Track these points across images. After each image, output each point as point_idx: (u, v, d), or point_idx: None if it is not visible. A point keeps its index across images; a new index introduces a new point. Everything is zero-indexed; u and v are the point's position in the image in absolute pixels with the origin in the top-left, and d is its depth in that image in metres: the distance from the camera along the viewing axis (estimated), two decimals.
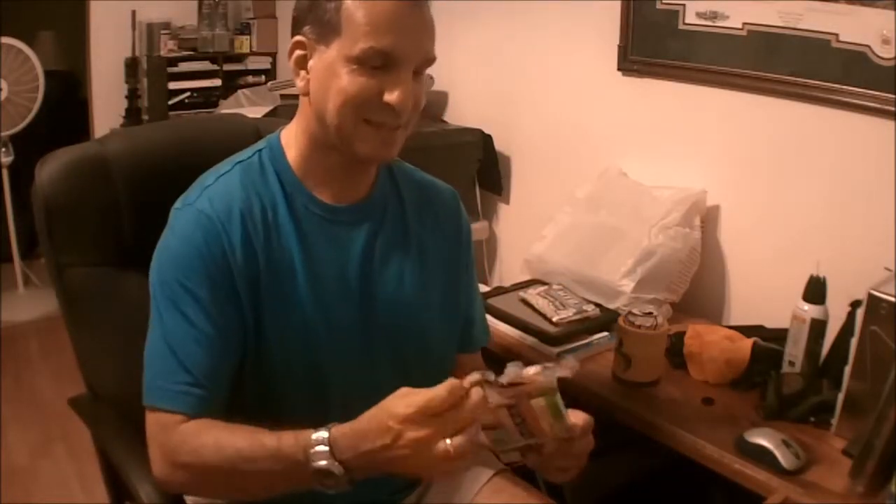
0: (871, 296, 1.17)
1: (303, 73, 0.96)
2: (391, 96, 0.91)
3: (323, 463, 0.83)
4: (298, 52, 0.96)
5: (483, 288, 1.87)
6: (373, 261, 1.03)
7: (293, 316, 0.97)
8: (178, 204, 0.98)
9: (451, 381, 0.80)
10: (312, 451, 0.83)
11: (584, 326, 1.59)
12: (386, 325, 1.03)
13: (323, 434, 0.84)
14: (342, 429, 0.84)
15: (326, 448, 0.83)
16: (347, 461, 0.83)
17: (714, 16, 1.69)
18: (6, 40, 2.89)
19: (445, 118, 2.51)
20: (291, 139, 1.01)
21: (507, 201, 2.39)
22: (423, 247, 1.08)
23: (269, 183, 0.99)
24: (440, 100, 2.53)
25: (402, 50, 0.90)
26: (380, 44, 0.89)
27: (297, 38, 0.95)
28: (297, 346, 0.97)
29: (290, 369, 0.98)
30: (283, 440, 0.85)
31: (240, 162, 1.01)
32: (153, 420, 0.92)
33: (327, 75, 0.92)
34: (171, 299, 0.93)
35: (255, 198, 0.97)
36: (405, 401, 0.81)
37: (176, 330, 0.92)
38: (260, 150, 1.02)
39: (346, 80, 0.90)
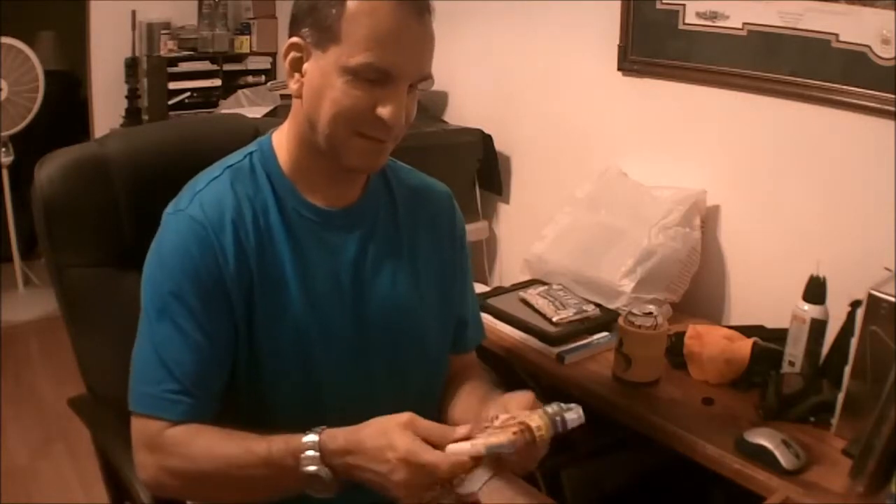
0: (871, 296, 1.17)
1: (297, 75, 0.94)
2: (384, 110, 0.90)
3: (312, 468, 0.84)
4: (294, 54, 0.94)
5: (483, 288, 1.87)
6: (365, 265, 1.02)
7: (286, 321, 0.97)
8: (169, 209, 0.98)
9: (456, 459, 0.82)
10: (302, 455, 0.85)
11: (584, 326, 1.59)
12: (380, 329, 1.03)
13: (312, 438, 0.85)
14: (334, 434, 0.86)
15: (316, 454, 0.84)
16: (335, 467, 0.85)
17: (714, 16, 1.69)
18: (6, 40, 2.89)
19: (445, 118, 2.51)
20: (283, 142, 1.00)
21: (507, 201, 2.39)
22: (417, 249, 1.07)
23: (261, 187, 0.98)
24: (440, 100, 2.53)
25: (400, 67, 0.89)
26: (378, 60, 0.87)
27: (294, 39, 0.93)
28: (290, 350, 0.97)
29: (283, 374, 0.98)
30: (273, 445, 0.86)
31: (230, 166, 1.00)
32: (140, 426, 0.92)
33: (322, 82, 0.91)
34: (161, 307, 0.93)
35: (247, 203, 0.97)
36: (409, 441, 0.82)
37: (165, 338, 0.92)
38: (251, 153, 1.01)
39: (340, 91, 0.89)
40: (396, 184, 1.09)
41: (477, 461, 0.82)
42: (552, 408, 0.85)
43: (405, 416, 0.84)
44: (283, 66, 0.96)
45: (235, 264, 0.94)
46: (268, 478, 0.87)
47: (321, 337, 0.98)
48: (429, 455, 0.81)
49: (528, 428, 0.82)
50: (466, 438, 0.84)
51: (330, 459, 0.85)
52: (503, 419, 0.86)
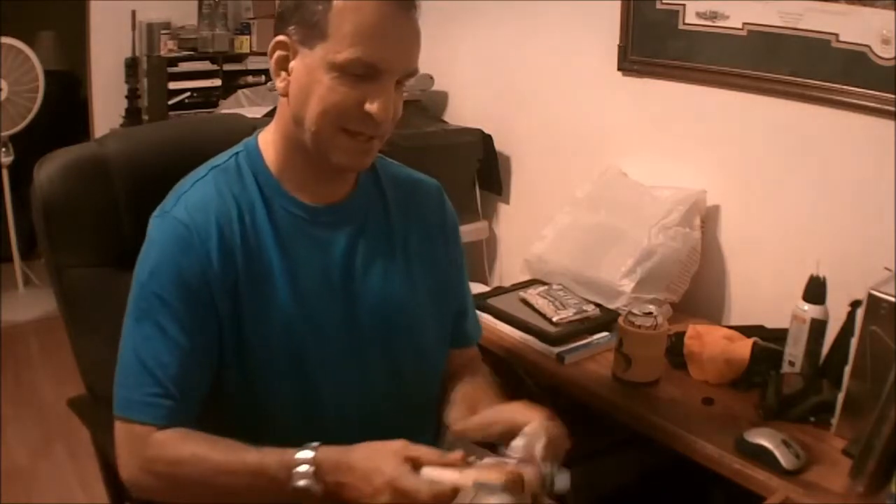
0: (871, 296, 1.17)
1: (283, 73, 0.94)
2: (372, 106, 0.90)
3: (304, 483, 0.85)
4: (280, 53, 0.94)
5: (483, 288, 1.88)
6: (356, 261, 1.02)
7: (274, 318, 0.96)
8: (156, 212, 0.98)
9: (437, 488, 0.81)
10: (295, 470, 0.85)
11: (584, 326, 1.59)
12: (373, 326, 1.02)
13: (307, 454, 0.85)
14: (329, 453, 0.86)
15: (311, 468, 0.85)
16: (326, 484, 0.85)
17: (714, 16, 1.69)
18: (6, 40, 2.89)
19: (445, 118, 2.51)
20: (269, 141, 1.00)
21: (507, 201, 2.39)
22: (409, 245, 1.07)
23: (247, 186, 0.98)
24: (440, 100, 2.53)
25: (388, 62, 0.89)
26: (366, 54, 0.87)
27: (280, 38, 0.93)
28: (280, 348, 0.97)
29: (277, 373, 0.97)
30: (266, 457, 0.87)
31: (216, 167, 1.00)
32: (123, 429, 0.93)
33: (308, 80, 0.90)
34: (145, 309, 0.93)
35: (232, 202, 0.97)
36: (396, 466, 0.82)
37: (148, 340, 0.92)
38: (237, 154, 1.01)
39: (327, 88, 0.89)
40: (386, 180, 1.09)
41: (458, 491, 0.81)
42: (546, 467, 0.85)
43: (398, 443, 0.85)
44: (270, 65, 0.95)
45: (220, 265, 0.94)
46: (254, 488, 0.87)
47: (312, 334, 0.98)
48: (412, 482, 0.81)
49: (521, 479, 0.82)
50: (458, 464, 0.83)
51: (323, 476, 0.85)
52: (498, 458, 0.86)
